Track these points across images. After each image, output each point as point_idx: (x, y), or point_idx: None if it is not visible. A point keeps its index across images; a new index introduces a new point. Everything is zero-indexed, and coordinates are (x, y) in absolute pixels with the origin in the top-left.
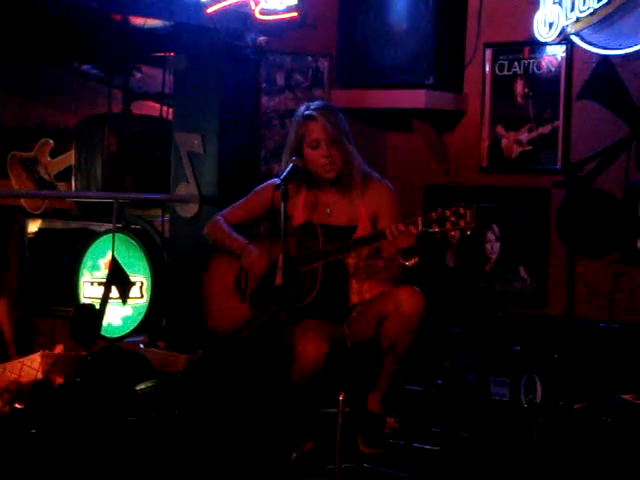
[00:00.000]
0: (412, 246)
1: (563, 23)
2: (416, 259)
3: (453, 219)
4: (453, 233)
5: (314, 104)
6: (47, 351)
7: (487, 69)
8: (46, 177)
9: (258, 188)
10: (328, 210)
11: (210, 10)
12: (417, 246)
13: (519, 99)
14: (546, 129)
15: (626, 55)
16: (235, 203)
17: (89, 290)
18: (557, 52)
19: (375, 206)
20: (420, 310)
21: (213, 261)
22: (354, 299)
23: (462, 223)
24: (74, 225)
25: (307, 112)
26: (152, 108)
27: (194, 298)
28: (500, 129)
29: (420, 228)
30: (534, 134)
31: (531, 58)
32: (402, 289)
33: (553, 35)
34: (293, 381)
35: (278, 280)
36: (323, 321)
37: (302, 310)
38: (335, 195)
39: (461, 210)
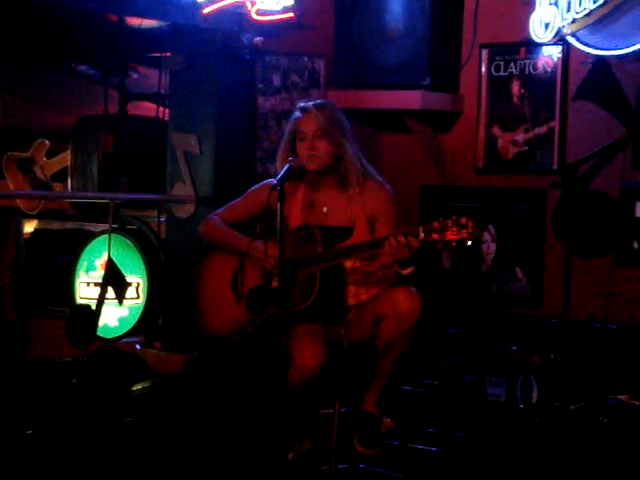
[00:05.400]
0: (409, 256)
1: (559, 24)
2: (412, 268)
3: (455, 229)
4: (454, 244)
5: (311, 101)
6: None
7: (483, 70)
8: (42, 177)
9: (254, 188)
10: (325, 209)
11: (206, 10)
12: (414, 256)
13: (515, 100)
14: (542, 130)
15: (622, 56)
16: (230, 202)
17: (85, 291)
18: (553, 53)
19: (373, 208)
20: (417, 311)
21: (208, 261)
22: (351, 301)
23: (464, 233)
24: (70, 226)
25: (300, 105)
26: (148, 108)
27: (190, 298)
28: (496, 130)
29: (421, 238)
30: (530, 135)
31: (527, 59)
32: (399, 290)
33: (549, 36)
34: (290, 386)
35: (275, 283)
36: (319, 325)
37: (299, 313)
38: (332, 194)
39: (463, 220)
